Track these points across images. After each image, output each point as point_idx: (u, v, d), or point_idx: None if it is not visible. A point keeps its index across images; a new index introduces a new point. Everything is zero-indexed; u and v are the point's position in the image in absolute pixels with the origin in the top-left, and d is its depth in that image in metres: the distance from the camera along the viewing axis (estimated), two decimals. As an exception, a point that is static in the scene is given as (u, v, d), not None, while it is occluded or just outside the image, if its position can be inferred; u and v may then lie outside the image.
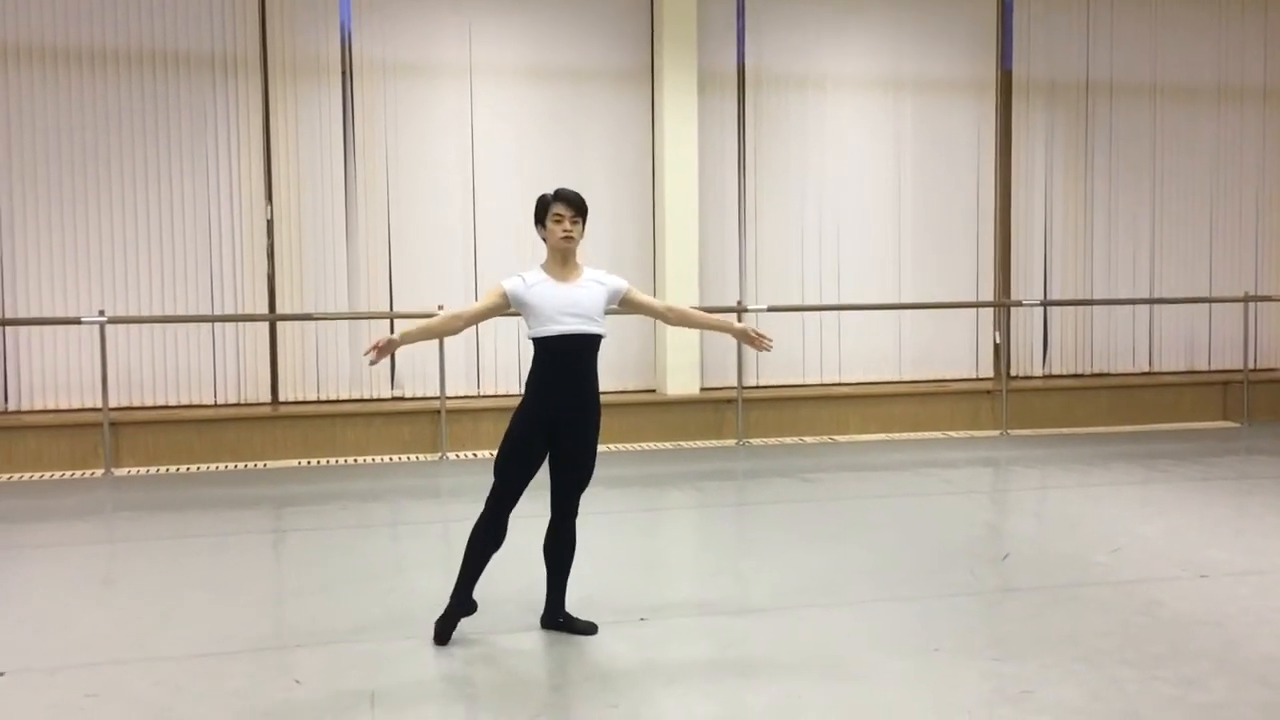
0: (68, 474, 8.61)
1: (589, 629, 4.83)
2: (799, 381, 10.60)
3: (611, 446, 9.30)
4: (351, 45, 9.66)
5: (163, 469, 8.76)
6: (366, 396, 9.73)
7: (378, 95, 9.70)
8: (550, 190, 4.91)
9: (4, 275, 9.11)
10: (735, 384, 9.84)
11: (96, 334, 8.83)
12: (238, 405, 9.48)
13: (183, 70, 9.34)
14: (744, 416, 9.81)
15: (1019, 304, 10.93)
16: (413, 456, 9.21)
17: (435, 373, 9.31)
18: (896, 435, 10.19)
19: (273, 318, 9.50)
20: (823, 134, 10.61)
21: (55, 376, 9.19)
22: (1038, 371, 11.21)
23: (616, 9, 10.15)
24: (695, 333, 10.01)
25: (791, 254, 10.58)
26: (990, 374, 10.98)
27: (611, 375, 9.76)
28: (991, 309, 11.01)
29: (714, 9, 10.26)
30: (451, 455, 9.19)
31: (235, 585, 5.65)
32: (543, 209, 4.84)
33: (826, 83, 10.61)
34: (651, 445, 9.63)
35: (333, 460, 9.08)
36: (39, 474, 8.60)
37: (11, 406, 9.15)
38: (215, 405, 9.45)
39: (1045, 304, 11.13)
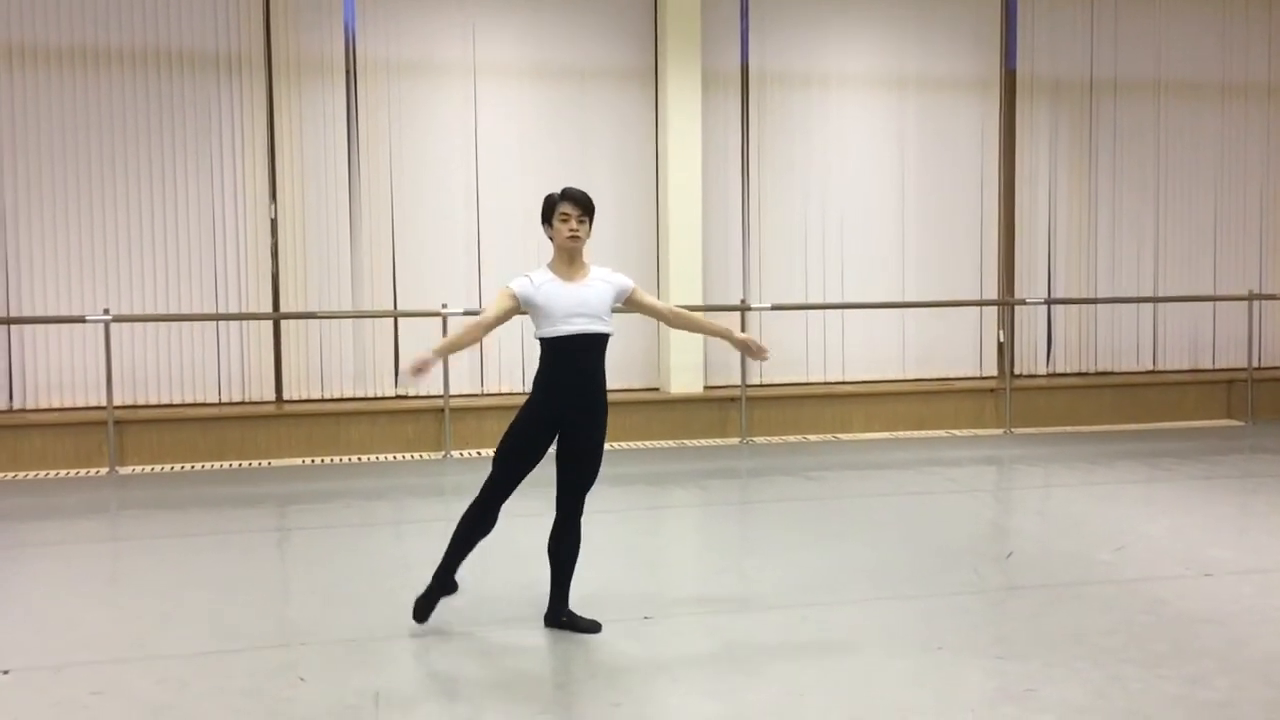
0: (72, 472, 8.63)
1: (592, 627, 4.83)
2: (803, 380, 10.60)
3: (615, 445, 9.30)
4: (355, 44, 9.67)
5: (167, 467, 8.77)
6: (370, 395, 9.73)
7: (382, 94, 9.71)
8: (557, 190, 4.90)
9: (9, 274, 9.13)
10: (739, 382, 9.84)
11: (101, 332, 8.84)
12: (242, 404, 9.49)
13: (187, 69, 9.35)
14: (748, 415, 9.81)
15: (1023, 302, 10.92)
16: (417, 455, 9.22)
17: (439, 371, 9.32)
18: (900, 434, 10.19)
19: (277, 316, 9.51)
20: (826, 133, 10.60)
21: (60, 375, 9.20)
22: (1041, 370, 11.20)
23: (620, 8, 10.15)
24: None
25: (795, 252, 10.58)
26: (994, 372, 10.97)
27: (615, 374, 9.71)
28: (995, 307, 11.00)
29: (718, 8, 10.25)
30: (455, 454, 9.19)
31: (239, 584, 5.66)
32: (549, 208, 4.85)
33: (830, 81, 10.61)
34: (655, 443, 9.63)
35: (337, 459, 9.09)
36: (44, 472, 8.62)
37: (16, 405, 9.16)
38: (219, 404, 9.46)
39: (1049, 302, 11.12)
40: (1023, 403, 10.48)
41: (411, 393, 9.76)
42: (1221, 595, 5.29)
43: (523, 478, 4.80)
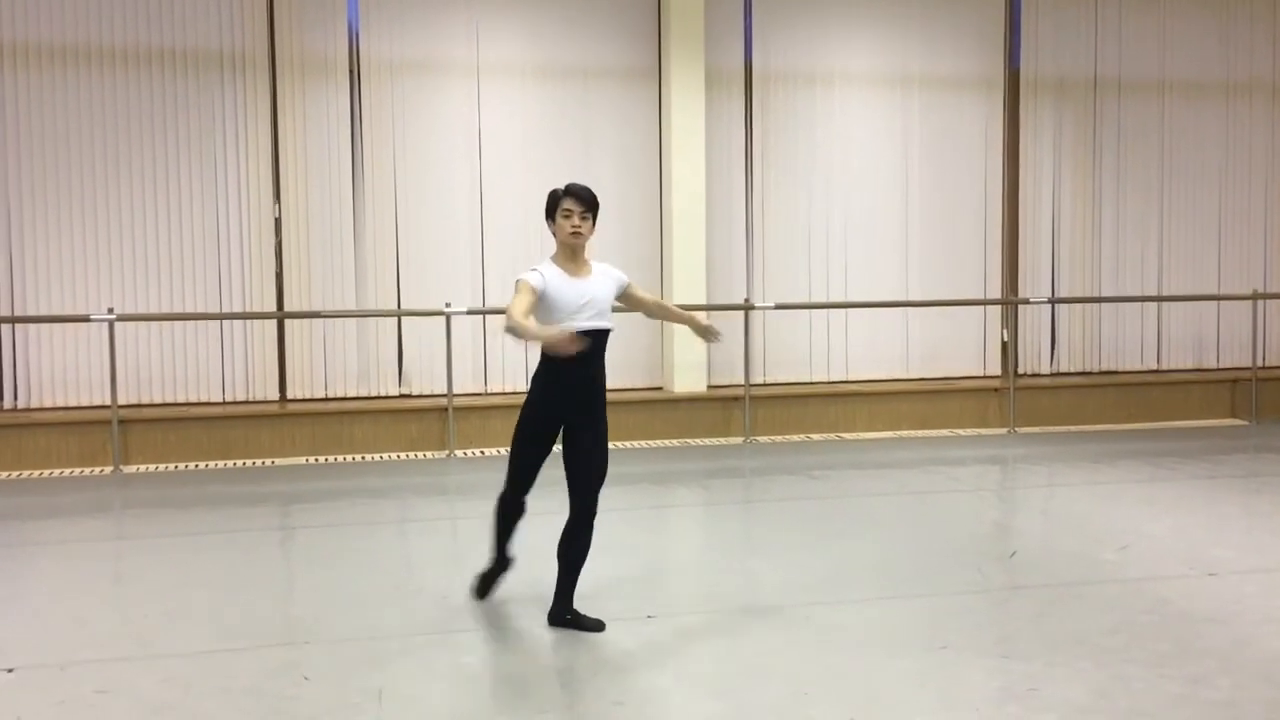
0: (76, 471, 8.64)
1: (596, 626, 4.84)
2: (806, 379, 10.60)
3: (619, 444, 9.29)
4: (359, 44, 9.68)
5: (171, 466, 8.79)
6: (374, 394, 9.74)
7: (385, 94, 9.71)
8: (561, 186, 4.91)
9: (13, 273, 9.14)
10: (742, 381, 9.84)
11: (105, 331, 8.85)
12: (246, 403, 9.50)
13: (191, 69, 9.36)
14: (751, 414, 9.81)
15: (1026, 301, 10.92)
16: (420, 454, 9.23)
17: (443, 370, 9.33)
18: (904, 433, 10.19)
19: (281, 315, 9.52)
20: (830, 132, 10.60)
21: (64, 374, 9.22)
22: (1045, 369, 11.19)
23: (623, 7, 10.15)
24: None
25: (799, 251, 10.57)
26: (998, 372, 10.97)
27: (619, 373, 9.76)
28: (999, 306, 11.00)
29: (721, 7, 10.25)
30: (459, 453, 9.20)
31: (243, 583, 5.67)
32: (553, 204, 4.87)
33: (834, 80, 10.60)
34: (659, 443, 9.63)
35: (340, 458, 9.10)
36: (48, 471, 8.63)
37: (21, 404, 9.18)
38: (223, 403, 9.48)
39: (1053, 301, 11.11)
40: (1026, 402, 10.47)
41: (416, 391, 9.77)
42: (1225, 595, 5.29)
43: (538, 467, 4.94)
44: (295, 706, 4.07)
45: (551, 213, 4.86)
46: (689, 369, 9.94)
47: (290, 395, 9.64)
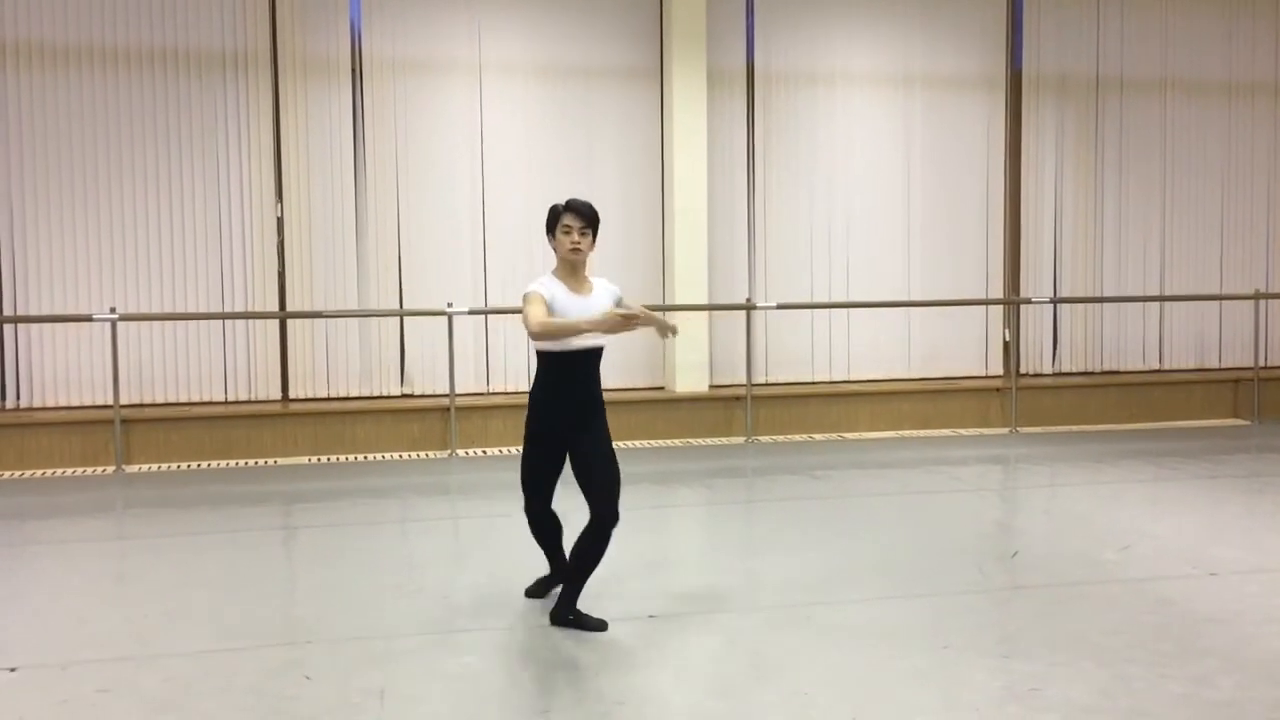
0: (79, 471, 8.65)
1: (599, 625, 4.84)
2: (808, 379, 10.60)
3: (621, 444, 9.24)
4: (361, 43, 9.68)
5: (173, 466, 8.79)
6: (376, 394, 9.75)
7: (387, 93, 9.72)
8: (563, 200, 4.93)
9: (15, 273, 9.15)
10: (744, 381, 9.84)
11: (108, 331, 8.86)
12: (248, 402, 9.51)
13: (193, 68, 9.36)
14: (753, 414, 9.81)
15: (1028, 301, 10.92)
16: (422, 453, 9.23)
17: (445, 370, 9.33)
18: (906, 433, 10.19)
19: (283, 315, 9.52)
20: (832, 131, 10.60)
21: (67, 373, 9.22)
22: (1047, 369, 11.19)
23: (626, 7, 10.16)
24: (704, 330, 10.04)
25: (800, 251, 10.57)
26: (1000, 371, 10.97)
27: (621, 373, 9.78)
28: (1001, 306, 10.99)
29: (723, 7, 10.25)
30: (461, 452, 9.21)
31: (245, 582, 5.67)
32: (553, 219, 4.88)
33: (836, 80, 10.60)
34: (661, 442, 9.63)
35: (343, 457, 9.11)
36: (50, 471, 8.64)
37: (23, 403, 9.19)
38: (226, 402, 9.48)
39: (1055, 301, 11.11)
40: (1028, 402, 10.47)
41: (418, 391, 9.78)
42: (1227, 595, 5.28)
43: (549, 483, 4.99)
44: (296, 706, 4.08)
45: (552, 228, 4.88)
46: (691, 369, 9.94)
47: (292, 395, 9.64)
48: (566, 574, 4.91)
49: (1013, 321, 10.86)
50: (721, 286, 10.28)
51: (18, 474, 8.54)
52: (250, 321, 9.52)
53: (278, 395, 9.63)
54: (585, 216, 4.82)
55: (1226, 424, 10.71)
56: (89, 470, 8.67)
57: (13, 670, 4.43)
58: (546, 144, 10.01)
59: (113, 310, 8.84)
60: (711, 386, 10.10)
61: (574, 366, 4.80)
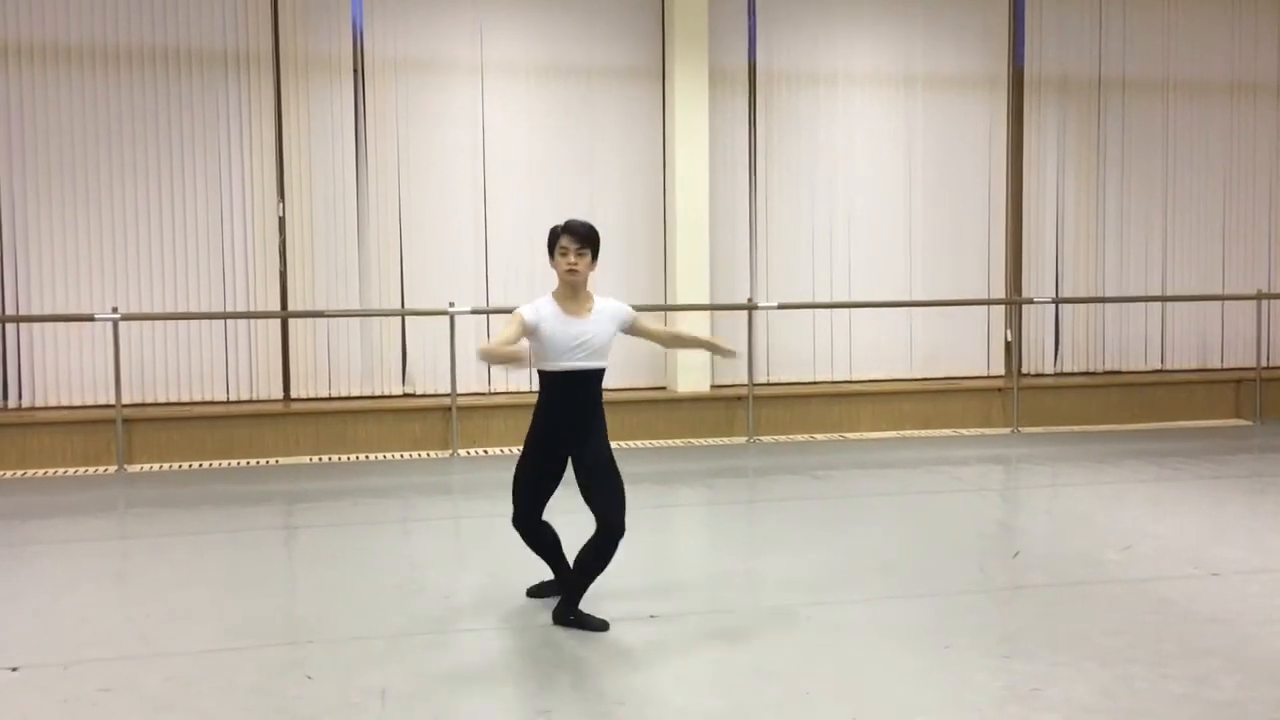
0: (80, 470, 8.65)
1: (600, 626, 4.83)
2: (810, 379, 10.60)
3: (622, 443, 9.30)
4: (363, 43, 9.68)
5: (175, 465, 8.80)
6: (378, 393, 9.75)
7: (389, 93, 9.72)
8: (563, 219, 4.96)
9: (17, 272, 9.16)
10: (746, 381, 9.84)
11: (109, 331, 8.86)
12: (250, 402, 9.51)
13: (195, 67, 9.37)
14: (754, 414, 9.81)
15: (1030, 301, 10.91)
16: (424, 453, 9.23)
17: (446, 370, 9.33)
18: (907, 433, 10.18)
19: (285, 315, 9.53)
20: (834, 131, 10.59)
21: (68, 373, 9.23)
22: (1049, 369, 11.18)
23: (628, 6, 10.15)
24: (706, 330, 10.00)
25: (802, 251, 10.57)
26: (1001, 372, 10.96)
27: (622, 373, 9.78)
28: (1003, 306, 10.99)
29: (725, 6, 10.25)
30: (462, 452, 9.21)
31: (246, 582, 5.68)
32: (552, 241, 4.90)
33: (837, 80, 10.60)
34: (662, 442, 9.63)
35: (344, 457, 9.11)
36: (52, 470, 8.64)
37: (25, 403, 9.19)
38: (227, 402, 9.49)
39: (1057, 301, 11.10)
40: (1030, 402, 10.47)
41: (419, 390, 9.78)
42: (1229, 595, 5.28)
43: (541, 497, 4.98)
44: (298, 705, 4.08)
45: (551, 250, 4.89)
46: (692, 369, 9.94)
47: (294, 395, 9.65)
48: (573, 575, 4.92)
49: (1014, 321, 10.85)
50: (723, 286, 10.28)
51: (19, 473, 8.55)
52: (252, 321, 9.53)
53: (279, 395, 9.63)
54: (581, 237, 4.82)
55: (1228, 424, 10.70)
56: (90, 470, 8.67)
57: (14, 670, 4.43)
58: (548, 143, 10.01)
59: (114, 310, 8.84)
60: (713, 386, 10.09)
61: (564, 385, 4.82)
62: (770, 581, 5.65)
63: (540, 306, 4.85)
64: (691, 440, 9.74)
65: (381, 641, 4.72)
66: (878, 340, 10.75)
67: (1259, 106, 11.51)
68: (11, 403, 9.18)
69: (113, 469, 8.66)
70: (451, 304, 9.31)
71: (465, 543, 6.79)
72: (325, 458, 9.08)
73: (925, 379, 10.78)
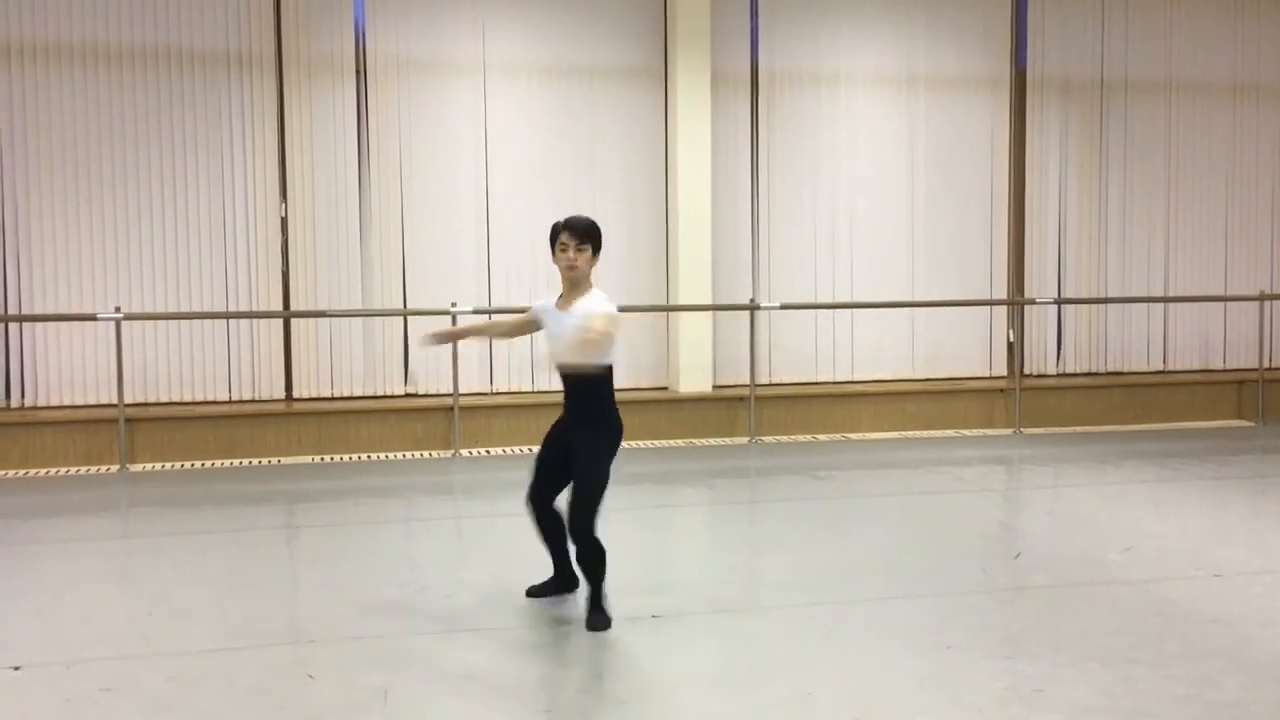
0: (83, 470, 8.66)
1: (603, 624, 4.83)
2: (811, 379, 10.59)
3: (624, 443, 9.27)
4: (365, 43, 9.69)
5: (177, 465, 8.80)
6: (380, 393, 9.75)
7: (391, 93, 9.73)
8: (562, 219, 5.03)
9: (20, 272, 9.16)
10: (748, 382, 9.83)
11: (112, 330, 8.87)
12: (252, 402, 9.51)
13: (198, 68, 9.37)
14: (756, 414, 9.80)
15: (1033, 302, 10.90)
16: (426, 453, 9.23)
17: (448, 370, 9.34)
18: (909, 433, 10.18)
19: (287, 315, 9.53)
20: (836, 132, 10.59)
21: (71, 373, 9.24)
22: (1051, 370, 11.17)
23: (630, 7, 10.16)
24: (708, 331, 10.03)
25: (804, 251, 10.57)
26: (1004, 372, 10.96)
27: (624, 373, 9.77)
28: (1005, 307, 10.98)
29: (727, 7, 10.25)
30: (465, 452, 9.21)
31: (248, 581, 5.68)
32: (553, 236, 4.98)
33: (840, 80, 10.60)
34: (664, 443, 9.63)
35: (346, 457, 9.11)
36: (54, 470, 8.65)
37: (28, 402, 9.20)
38: (230, 402, 9.49)
39: (1059, 302, 11.09)
40: (1032, 402, 10.46)
41: (421, 390, 9.78)
42: (1231, 596, 5.28)
43: (545, 478, 5.06)
44: (300, 705, 4.08)
45: (553, 246, 4.97)
46: (694, 369, 9.94)
47: (296, 394, 9.65)
48: (574, 579, 4.99)
49: (1017, 322, 10.84)
50: (725, 287, 10.28)
51: (22, 473, 8.56)
52: (254, 321, 9.53)
53: (281, 395, 9.63)
54: (579, 233, 4.90)
55: (1231, 425, 10.70)
56: (93, 469, 8.68)
57: (17, 669, 4.44)
58: (550, 144, 10.01)
59: (117, 309, 8.85)
60: (715, 387, 10.09)
61: (559, 375, 5.04)
62: (772, 581, 5.65)
63: (548, 299, 5.07)
64: (693, 440, 9.74)
65: (383, 641, 4.73)
66: (880, 341, 10.75)
67: (1261, 108, 11.50)
68: (14, 402, 9.18)
69: (115, 468, 8.67)
70: (454, 304, 9.31)
71: (467, 543, 6.79)
72: (327, 457, 9.09)
73: (927, 379, 10.77)
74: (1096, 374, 11.24)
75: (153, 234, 9.35)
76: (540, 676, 4.42)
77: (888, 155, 10.72)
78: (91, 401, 9.22)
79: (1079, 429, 10.44)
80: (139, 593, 5.54)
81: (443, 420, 9.35)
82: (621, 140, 10.16)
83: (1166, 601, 5.19)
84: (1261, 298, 11.02)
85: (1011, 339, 10.91)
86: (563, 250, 4.88)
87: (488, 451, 9.23)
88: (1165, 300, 11.24)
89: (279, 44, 9.53)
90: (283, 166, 9.57)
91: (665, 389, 10.21)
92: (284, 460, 8.98)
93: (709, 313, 10.06)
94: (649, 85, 10.20)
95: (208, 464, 8.84)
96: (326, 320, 9.62)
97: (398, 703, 4.09)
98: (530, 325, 5.26)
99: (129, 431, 8.78)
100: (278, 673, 4.39)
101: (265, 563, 6.15)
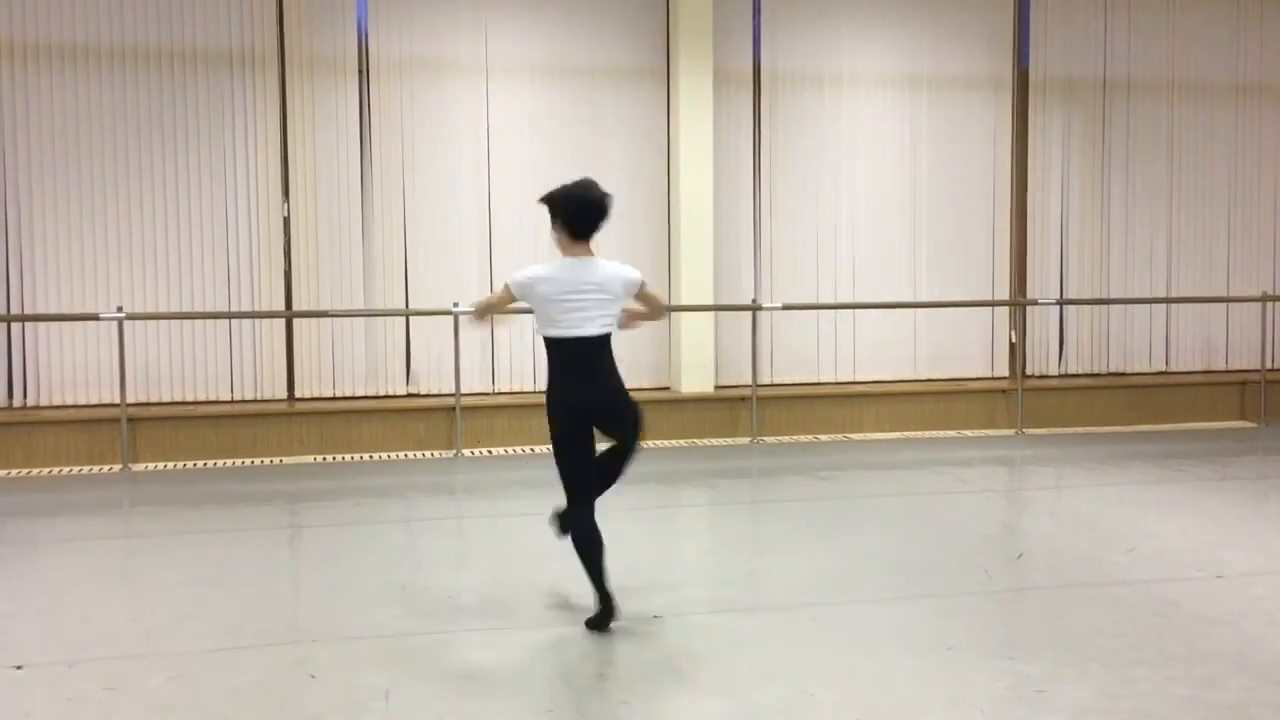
0: (85, 469, 8.67)
1: (604, 623, 4.83)
2: (813, 380, 10.59)
3: (626, 444, 9.29)
4: (368, 43, 9.69)
5: (179, 464, 8.81)
6: (382, 393, 9.76)
7: (394, 93, 9.73)
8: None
9: (23, 271, 9.17)
10: (750, 382, 9.83)
11: (114, 330, 8.87)
12: (254, 401, 9.52)
13: (200, 68, 9.38)
14: (758, 414, 9.80)
15: (1035, 303, 10.90)
16: (428, 453, 9.24)
17: (451, 369, 9.34)
18: (911, 434, 10.18)
19: (289, 314, 9.54)
20: (838, 132, 10.59)
21: (73, 372, 9.24)
22: (1053, 370, 11.17)
23: (632, 7, 10.16)
24: (709, 331, 10.02)
25: (806, 252, 10.57)
26: (1006, 373, 10.95)
27: (625, 373, 9.74)
28: (1007, 307, 10.98)
29: (730, 7, 10.25)
30: (466, 452, 9.20)
31: (250, 580, 5.68)
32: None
33: (842, 81, 10.59)
34: (666, 443, 9.63)
35: (348, 456, 9.12)
36: (57, 469, 8.66)
37: (30, 402, 9.20)
38: (232, 401, 9.49)
39: (1061, 303, 11.09)
40: (1034, 403, 10.46)
41: (423, 390, 9.79)
42: (1233, 597, 5.27)
43: (590, 475, 5.11)
44: (302, 705, 4.08)
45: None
46: (696, 369, 9.94)
47: (298, 394, 9.65)
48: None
49: (1019, 323, 10.84)
50: (727, 287, 10.28)
51: (25, 472, 8.56)
52: (256, 321, 9.54)
53: (283, 394, 9.64)
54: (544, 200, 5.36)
55: (1233, 426, 10.69)
56: (95, 468, 8.68)
57: (19, 668, 4.44)
58: (552, 144, 10.01)
59: (119, 309, 8.85)
60: (717, 387, 10.09)
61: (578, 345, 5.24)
62: (773, 582, 5.65)
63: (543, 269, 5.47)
64: (695, 441, 9.74)
65: (385, 641, 4.73)
66: (882, 341, 10.75)
67: (1264, 109, 11.49)
68: (17, 401, 9.19)
69: (117, 468, 8.67)
70: (456, 304, 9.31)
71: (469, 543, 6.79)
72: (329, 457, 9.09)
73: (929, 380, 10.77)
74: (1098, 375, 11.23)
75: (155, 234, 9.36)
76: (541, 677, 4.42)
77: (890, 155, 10.72)
78: (94, 401, 9.23)
79: (1081, 430, 10.43)
80: (141, 592, 5.55)
81: (445, 420, 9.36)
82: (623, 140, 10.16)
83: (1168, 602, 5.18)
84: (1264, 298, 11.01)
85: (1014, 339, 10.90)
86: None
87: (490, 452, 9.23)
88: (1168, 301, 11.24)
89: (281, 43, 9.54)
90: (285, 166, 9.57)
91: (667, 389, 10.21)
92: (286, 460, 8.99)
93: (711, 313, 10.05)
94: (651, 85, 10.20)
95: (210, 463, 8.85)
96: (328, 320, 9.63)
97: (399, 702, 4.09)
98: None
99: (131, 431, 8.79)
100: (279, 672, 4.39)
101: (267, 562, 6.15)
